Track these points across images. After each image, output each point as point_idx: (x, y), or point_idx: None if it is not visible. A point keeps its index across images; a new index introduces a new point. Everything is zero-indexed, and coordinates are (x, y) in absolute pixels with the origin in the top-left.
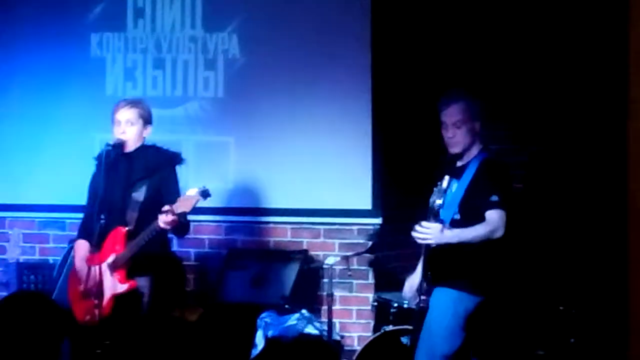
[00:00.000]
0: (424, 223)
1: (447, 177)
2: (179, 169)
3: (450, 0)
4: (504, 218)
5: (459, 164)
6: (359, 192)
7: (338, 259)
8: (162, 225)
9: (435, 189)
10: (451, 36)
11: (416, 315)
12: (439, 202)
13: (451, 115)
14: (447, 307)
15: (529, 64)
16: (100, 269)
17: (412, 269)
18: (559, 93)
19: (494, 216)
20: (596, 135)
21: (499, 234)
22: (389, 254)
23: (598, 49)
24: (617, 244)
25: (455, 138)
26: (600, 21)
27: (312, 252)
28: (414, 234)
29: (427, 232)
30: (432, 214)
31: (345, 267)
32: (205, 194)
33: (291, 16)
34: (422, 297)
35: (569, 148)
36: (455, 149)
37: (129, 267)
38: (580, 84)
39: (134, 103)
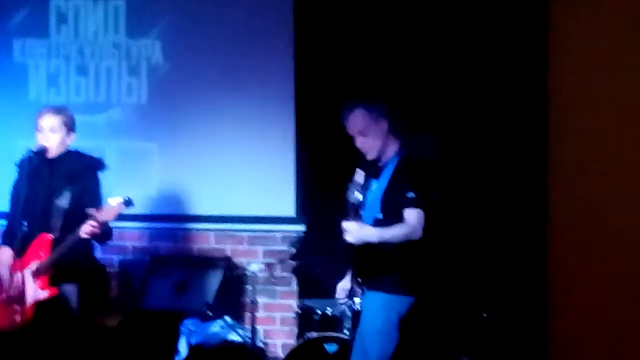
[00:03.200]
0: (344, 223)
1: (359, 171)
2: (103, 175)
3: (371, 7)
4: (421, 218)
5: (378, 165)
6: (282, 199)
7: (261, 266)
8: (83, 235)
9: (349, 184)
10: (374, 39)
11: (352, 320)
12: (358, 197)
13: (353, 125)
14: (378, 311)
15: (448, 65)
16: (22, 275)
17: (336, 276)
18: (477, 88)
19: (411, 216)
20: (515, 132)
21: (417, 235)
22: (312, 261)
23: (518, 48)
24: (536, 248)
25: (366, 145)
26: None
27: (235, 259)
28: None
29: (349, 230)
30: (352, 210)
31: (268, 274)
32: (128, 203)
33: (214, 23)
34: (356, 300)
35: (486, 144)
36: (370, 155)
37: (52, 274)
38: (499, 83)
39: (57, 110)
